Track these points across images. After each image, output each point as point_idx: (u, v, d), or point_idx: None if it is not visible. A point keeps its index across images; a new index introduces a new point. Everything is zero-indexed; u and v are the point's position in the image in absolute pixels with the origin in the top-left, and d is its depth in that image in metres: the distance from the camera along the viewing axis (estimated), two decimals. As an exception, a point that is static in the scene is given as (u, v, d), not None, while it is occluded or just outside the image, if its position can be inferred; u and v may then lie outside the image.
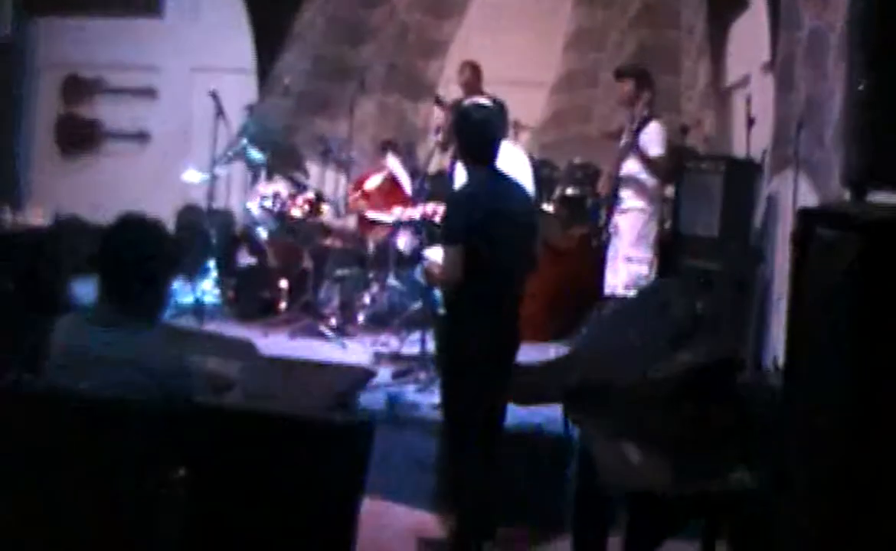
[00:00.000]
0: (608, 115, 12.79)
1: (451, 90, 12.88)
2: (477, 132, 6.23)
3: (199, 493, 3.58)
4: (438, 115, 11.78)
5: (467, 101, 8.09)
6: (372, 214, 10.02)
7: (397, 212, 9.57)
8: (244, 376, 5.29)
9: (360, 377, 6.08)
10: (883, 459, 3.31)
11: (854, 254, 3.33)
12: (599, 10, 13.09)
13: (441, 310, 8.46)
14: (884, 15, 3.61)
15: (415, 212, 8.97)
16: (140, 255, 4.26)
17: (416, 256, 10.32)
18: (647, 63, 11.74)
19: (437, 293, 8.41)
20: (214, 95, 10.54)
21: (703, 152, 11.16)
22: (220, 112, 10.58)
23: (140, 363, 4.01)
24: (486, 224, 5.92)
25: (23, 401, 3.94)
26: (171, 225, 13.31)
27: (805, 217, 3.73)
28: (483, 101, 8.37)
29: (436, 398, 7.73)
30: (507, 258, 6.08)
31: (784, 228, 9.07)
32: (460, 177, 8.29)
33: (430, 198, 9.58)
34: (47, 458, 3.79)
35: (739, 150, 10.88)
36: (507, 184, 6.35)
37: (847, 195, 3.79)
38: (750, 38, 10.87)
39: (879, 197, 3.79)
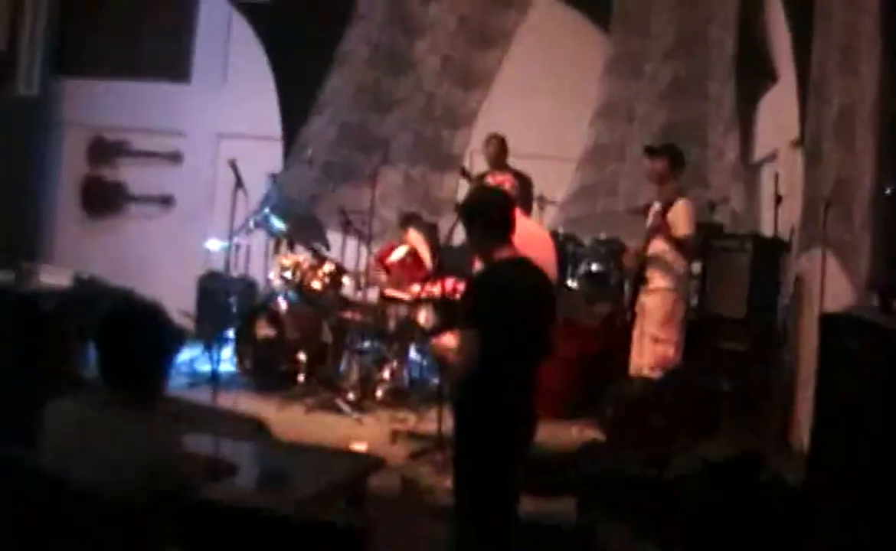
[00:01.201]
0: (635, 189, 12.58)
1: (476, 162, 12.79)
2: (489, 215, 6.01)
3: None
4: (463, 187, 11.65)
5: (476, 188, 7.89)
6: (390, 292, 9.79)
7: (416, 290, 9.33)
8: (249, 460, 5.07)
9: (370, 465, 5.83)
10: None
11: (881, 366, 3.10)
12: (629, 81, 12.90)
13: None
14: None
15: (434, 290, 8.74)
16: (138, 341, 4.05)
17: (436, 332, 10.12)
18: (675, 136, 11.60)
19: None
20: (233, 165, 10.37)
21: (731, 228, 10.94)
22: (239, 182, 10.41)
23: (132, 454, 3.80)
24: (503, 309, 5.69)
25: (11, 477, 3.77)
26: (192, 291, 13.26)
27: (829, 323, 3.49)
28: (492, 182, 8.20)
29: (450, 482, 7.51)
30: (523, 343, 5.84)
31: (812, 309, 8.83)
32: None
33: (450, 273, 9.33)
34: (30, 543, 3.66)
35: (767, 227, 10.67)
36: (525, 268, 6.12)
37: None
38: (779, 112, 10.69)
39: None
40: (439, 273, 9.48)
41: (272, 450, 5.86)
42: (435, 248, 11.23)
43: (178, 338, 4.39)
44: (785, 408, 9.08)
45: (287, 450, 6.07)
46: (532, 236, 7.20)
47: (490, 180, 8.32)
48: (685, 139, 11.60)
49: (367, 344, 10.69)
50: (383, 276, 10.96)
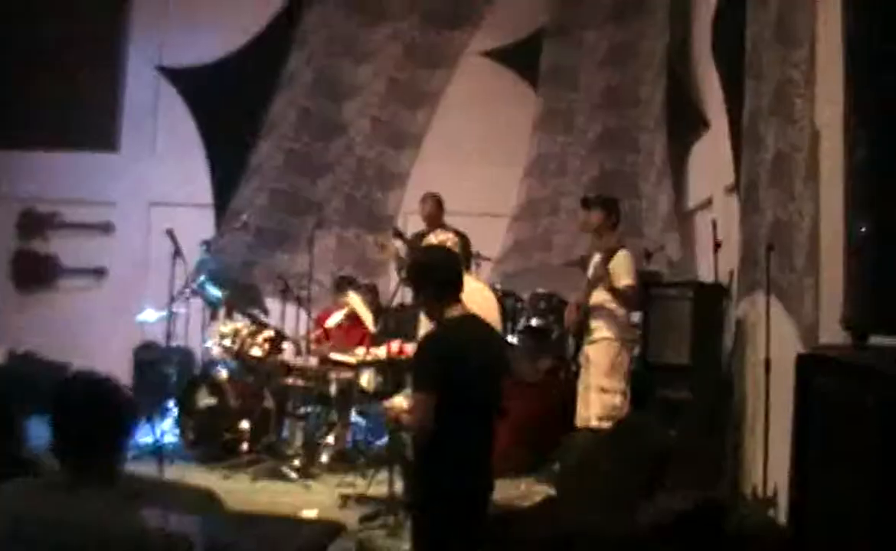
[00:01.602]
0: (570, 242, 12.63)
1: (410, 222, 12.75)
2: (438, 276, 5.95)
3: None
4: (400, 248, 11.58)
5: (423, 248, 7.82)
6: (335, 355, 9.67)
7: (360, 353, 9.22)
8: (205, 533, 4.91)
9: (330, 531, 5.70)
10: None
11: (869, 405, 3.04)
12: (559, 136, 12.97)
13: (408, 453, 8.19)
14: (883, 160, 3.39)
15: (380, 351, 8.64)
16: (94, 416, 3.88)
17: (379, 394, 10.02)
18: (607, 188, 11.65)
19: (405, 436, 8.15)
20: (171, 234, 10.23)
21: (668, 276, 10.96)
22: (177, 250, 10.26)
23: (96, 531, 3.64)
24: (457, 368, 5.62)
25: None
26: (128, 363, 13.06)
27: (805, 363, 3.45)
28: (435, 240, 8.13)
29: (406, 544, 7.40)
30: (479, 399, 5.78)
31: (755, 351, 8.84)
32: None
33: (395, 335, 9.25)
34: None
35: (704, 273, 10.70)
36: (476, 325, 6.06)
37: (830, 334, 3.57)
38: (711, 160, 10.73)
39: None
40: (384, 335, 9.40)
41: (227, 523, 5.69)
42: (377, 310, 11.15)
43: (134, 411, 4.25)
44: (734, 455, 9.05)
45: (242, 522, 5.90)
46: (475, 292, 7.13)
47: (433, 239, 8.23)
48: (618, 190, 11.65)
49: (309, 409, 10.55)
50: (325, 342, 10.82)
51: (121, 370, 13.43)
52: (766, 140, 8.34)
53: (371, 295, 11.85)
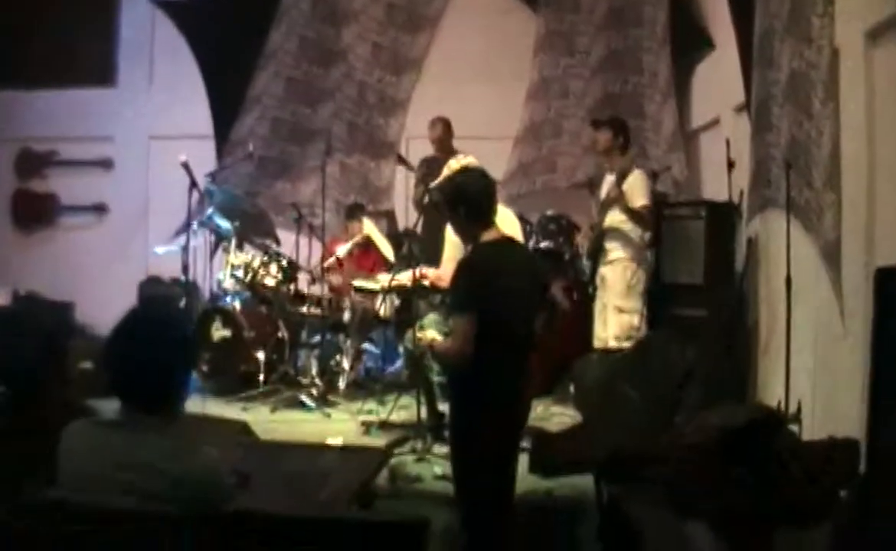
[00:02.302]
0: (574, 164, 12.68)
1: (412, 148, 12.77)
2: (473, 196, 5.98)
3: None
4: (407, 174, 11.62)
5: (455, 168, 7.83)
6: (359, 283, 9.69)
7: (383, 279, 9.25)
8: (253, 467, 4.93)
9: (379, 459, 5.74)
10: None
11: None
12: (561, 58, 12.96)
13: (436, 378, 8.28)
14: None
15: (403, 277, 8.67)
16: (153, 351, 3.84)
17: (397, 320, 10.09)
18: (611, 109, 11.68)
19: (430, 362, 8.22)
20: (186, 166, 10.15)
21: (673, 197, 11.02)
22: (193, 183, 10.21)
23: (165, 469, 3.64)
24: (495, 289, 5.67)
25: (40, 517, 3.58)
26: (133, 298, 13.06)
27: (885, 276, 3.49)
28: (456, 164, 8.19)
29: (437, 468, 7.50)
30: (516, 323, 5.84)
31: (769, 269, 8.92)
32: (453, 238, 8.09)
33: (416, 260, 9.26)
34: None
35: (708, 193, 10.77)
36: (511, 248, 6.12)
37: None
38: (718, 79, 10.76)
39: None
40: (406, 260, 9.40)
41: (270, 455, 5.72)
42: (396, 236, 11.19)
43: (193, 346, 4.27)
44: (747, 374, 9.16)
45: (293, 452, 5.93)
46: (503, 215, 7.16)
47: (454, 164, 8.29)
48: (621, 112, 11.67)
49: (324, 337, 10.61)
50: (336, 269, 10.84)
51: (126, 306, 13.50)
52: (779, 59, 8.37)
53: (387, 221, 11.90)
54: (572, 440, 6.31)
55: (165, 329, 4.01)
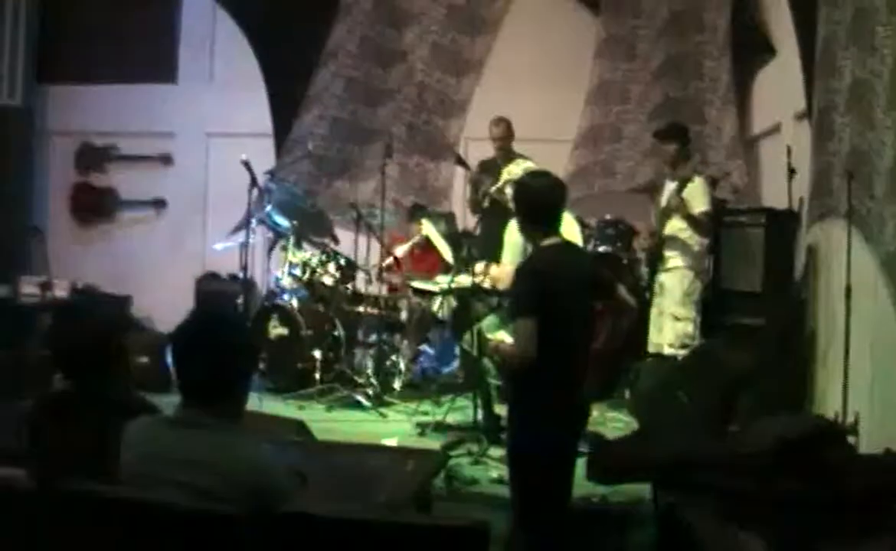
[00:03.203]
0: (633, 169, 12.68)
1: (470, 149, 12.84)
2: (541, 201, 6.05)
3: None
4: (466, 176, 11.68)
5: (515, 172, 7.90)
6: (418, 284, 9.78)
7: (442, 280, 9.34)
8: (309, 467, 4.98)
9: (437, 462, 5.81)
10: None
11: None
12: (622, 62, 12.97)
13: (493, 380, 8.35)
14: None
15: (464, 279, 8.76)
16: (218, 350, 3.91)
17: (453, 321, 10.15)
18: (671, 114, 11.71)
19: (487, 363, 8.31)
20: (247, 164, 10.28)
21: (732, 203, 11.03)
22: (253, 181, 10.33)
23: (226, 468, 3.72)
24: (557, 293, 5.74)
25: (101, 509, 3.69)
26: (190, 294, 13.24)
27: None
28: (524, 165, 8.28)
29: (494, 472, 7.57)
30: (576, 328, 5.90)
31: (828, 279, 8.92)
32: (512, 242, 8.17)
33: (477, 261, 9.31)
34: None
35: (768, 200, 10.77)
36: (572, 252, 6.20)
37: None
38: (779, 86, 10.76)
39: None
40: (468, 261, 9.45)
41: (333, 453, 5.81)
42: (456, 237, 11.26)
43: (256, 346, 4.33)
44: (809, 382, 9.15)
45: (349, 452, 6.01)
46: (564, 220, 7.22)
47: (514, 167, 8.40)
48: (682, 117, 11.70)
49: (380, 337, 10.69)
50: (395, 269, 10.92)
51: (182, 301, 13.66)
52: (841, 67, 8.38)
53: (446, 223, 11.97)
54: (631, 447, 6.36)
55: (231, 328, 4.11)
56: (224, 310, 4.01)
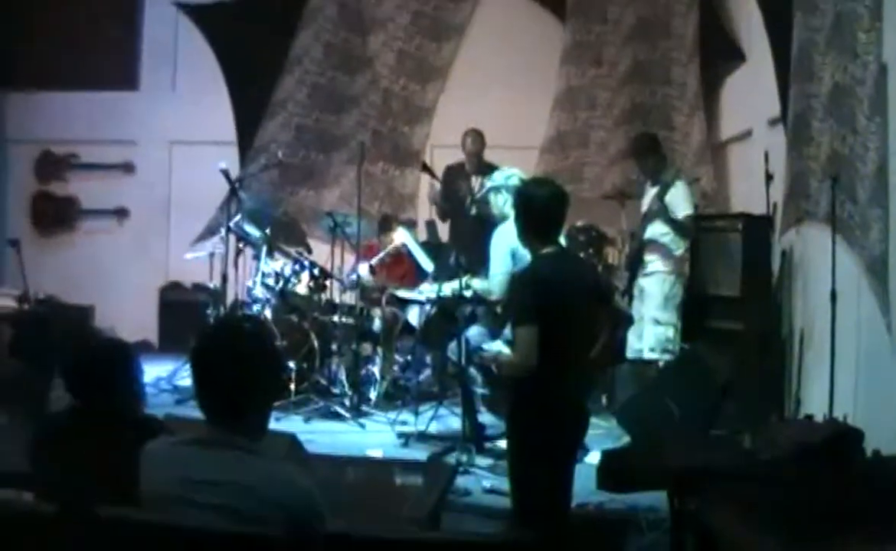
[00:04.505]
0: (601, 175, 12.69)
1: (436, 156, 12.77)
2: (545, 210, 5.97)
3: None
4: (432, 184, 11.61)
5: (530, 180, 7.80)
6: (401, 293, 9.70)
7: (428, 290, 9.27)
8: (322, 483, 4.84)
9: (448, 475, 5.69)
10: None
11: None
12: (588, 68, 12.98)
13: (479, 389, 8.29)
14: None
15: (445, 288, 8.69)
16: (247, 366, 3.66)
17: (426, 330, 10.03)
18: (638, 121, 11.76)
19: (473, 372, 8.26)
20: (226, 173, 10.19)
21: (701, 209, 11.01)
22: (233, 189, 10.22)
23: (264, 490, 3.50)
24: (558, 301, 5.67)
25: (135, 536, 3.50)
26: (153, 304, 13.08)
27: None
28: (515, 172, 8.26)
29: (486, 482, 7.49)
30: (578, 334, 5.84)
31: (806, 283, 8.95)
32: (498, 251, 8.10)
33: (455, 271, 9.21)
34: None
35: (737, 205, 10.80)
36: (573, 261, 6.15)
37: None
38: (750, 91, 10.78)
39: None
40: (450, 270, 9.34)
41: (337, 469, 5.67)
42: (437, 247, 11.19)
43: (280, 359, 4.18)
44: (784, 387, 9.17)
45: (356, 468, 5.89)
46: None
47: (499, 175, 8.37)
48: (649, 123, 11.79)
49: (355, 346, 10.57)
50: (375, 278, 10.82)
51: (146, 311, 13.54)
52: (820, 73, 8.38)
53: (429, 232, 11.90)
54: (645, 456, 6.29)
55: (258, 339, 3.93)
56: (250, 325, 3.83)
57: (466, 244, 9.59)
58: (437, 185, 11.45)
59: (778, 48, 9.40)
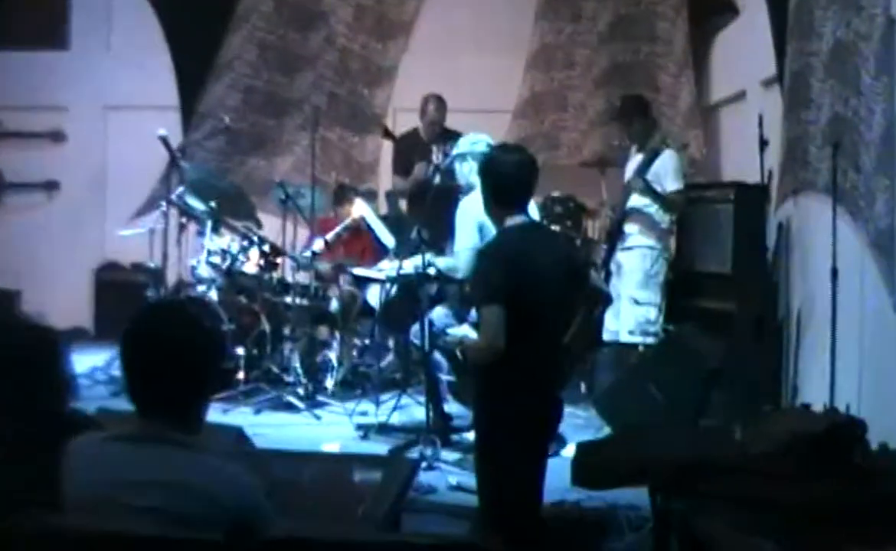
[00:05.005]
0: (579, 140, 12.66)
1: (399, 120, 12.71)
2: (513, 178, 5.92)
3: None
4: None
5: (497, 146, 7.72)
6: (360, 271, 9.65)
7: (388, 267, 9.22)
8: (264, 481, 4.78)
9: (408, 472, 5.63)
10: None
11: None
12: (566, 24, 12.93)
13: (445, 376, 8.27)
14: None
15: (408, 266, 8.64)
16: (186, 354, 3.61)
17: (387, 311, 9.99)
18: (620, 81, 11.72)
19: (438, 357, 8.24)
20: (165, 140, 10.07)
21: (690, 177, 10.98)
22: (174, 160, 10.11)
23: (205, 490, 3.46)
24: (526, 278, 5.62)
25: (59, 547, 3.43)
26: (88, 286, 12.97)
27: None
28: (482, 137, 8.22)
29: (452, 478, 7.47)
30: (550, 314, 5.80)
31: (804, 258, 8.92)
32: (464, 224, 8.06)
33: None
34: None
35: (729, 173, 10.79)
36: (543, 233, 6.10)
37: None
38: (744, 50, 10.75)
39: None
40: (412, 245, 9.25)
41: (279, 464, 5.61)
42: (399, 220, 11.15)
43: (224, 344, 4.11)
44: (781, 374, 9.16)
45: (305, 462, 5.85)
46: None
47: (465, 141, 8.33)
48: (632, 83, 11.74)
49: (309, 330, 10.53)
50: (325, 255, 10.74)
51: (80, 295, 13.42)
52: (820, 28, 8.35)
53: (389, 204, 11.87)
54: (622, 449, 6.26)
55: (194, 328, 3.84)
56: (190, 307, 3.75)
57: (429, 217, 9.52)
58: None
59: (774, 1, 9.37)
